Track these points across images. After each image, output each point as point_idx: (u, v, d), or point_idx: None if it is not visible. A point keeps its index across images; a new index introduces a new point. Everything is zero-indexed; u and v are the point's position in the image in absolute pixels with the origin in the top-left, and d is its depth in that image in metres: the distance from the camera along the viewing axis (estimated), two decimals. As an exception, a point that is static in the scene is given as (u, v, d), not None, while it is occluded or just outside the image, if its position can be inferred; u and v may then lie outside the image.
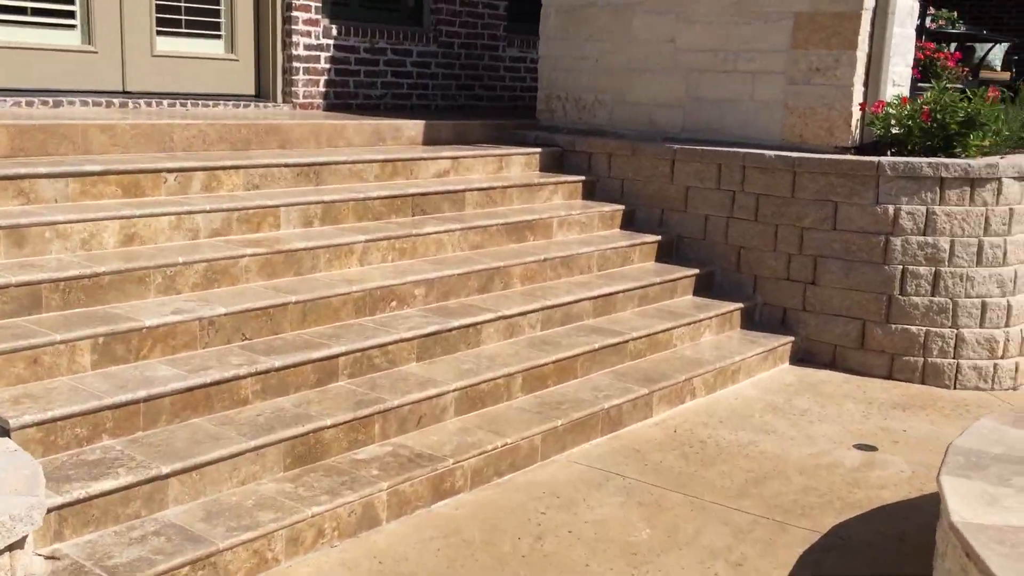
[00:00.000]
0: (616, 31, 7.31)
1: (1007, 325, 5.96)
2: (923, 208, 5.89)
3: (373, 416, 4.14)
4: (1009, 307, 5.94)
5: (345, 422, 4.03)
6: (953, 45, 9.18)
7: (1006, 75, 10.51)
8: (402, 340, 4.63)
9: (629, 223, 6.90)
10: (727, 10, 6.75)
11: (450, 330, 4.86)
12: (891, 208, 5.93)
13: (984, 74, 10.15)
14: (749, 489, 4.34)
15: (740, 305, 6.37)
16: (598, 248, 6.19)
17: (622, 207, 6.84)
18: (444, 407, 4.47)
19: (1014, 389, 5.93)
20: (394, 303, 4.95)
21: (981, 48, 10.57)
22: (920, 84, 7.15)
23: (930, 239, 5.90)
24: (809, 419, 5.29)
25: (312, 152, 6.01)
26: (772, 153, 6.34)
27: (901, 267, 5.95)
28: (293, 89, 7.56)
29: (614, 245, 6.31)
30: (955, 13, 9.24)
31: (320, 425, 3.94)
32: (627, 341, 5.47)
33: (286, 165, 5.49)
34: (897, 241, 5.93)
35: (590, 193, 7.07)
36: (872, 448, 4.90)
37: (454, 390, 4.49)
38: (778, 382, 5.91)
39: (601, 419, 4.85)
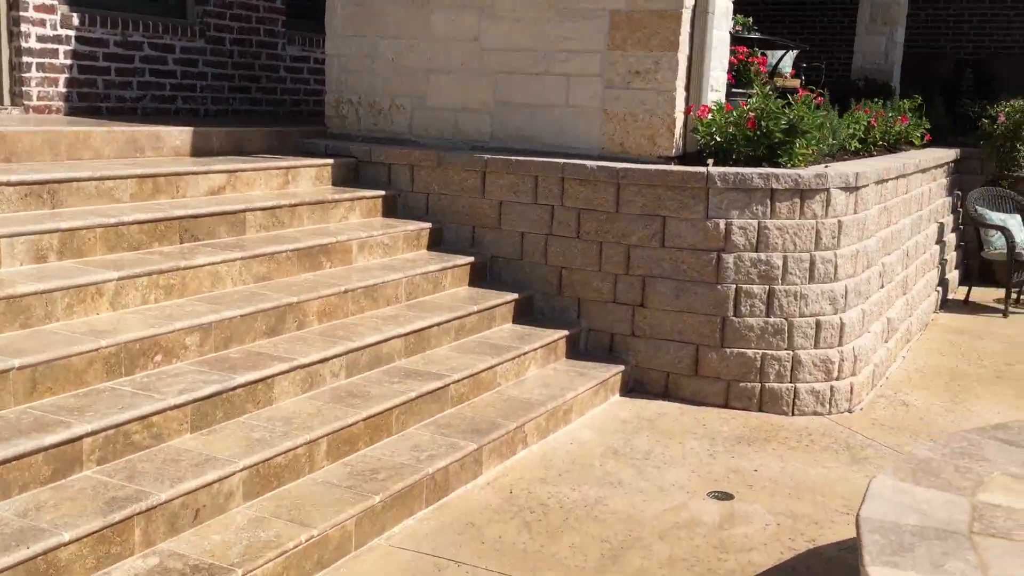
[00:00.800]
0: (413, 27, 6.51)
1: (840, 344, 5.65)
2: (755, 222, 5.48)
3: (132, 518, 3.13)
4: (842, 325, 5.64)
5: (92, 533, 3.00)
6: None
7: (796, 82, 10.50)
8: (171, 407, 3.62)
9: (437, 243, 6.12)
10: (537, 6, 6.11)
11: (234, 388, 3.89)
12: (722, 223, 5.48)
13: (777, 81, 10.08)
14: (608, 567, 3.66)
15: (565, 332, 5.73)
16: (406, 274, 5.36)
17: (429, 225, 6.05)
18: (230, 492, 3.51)
19: (849, 411, 5.62)
20: (159, 357, 3.92)
21: (773, 55, 10.52)
22: (734, 90, 6.81)
23: (763, 255, 5.49)
24: (655, 463, 4.70)
25: (47, 167, 4.83)
26: (594, 164, 5.75)
27: (735, 286, 5.51)
28: (25, 89, 6.24)
29: (424, 270, 5.51)
30: (749, 19, 9.05)
31: (54, 543, 2.89)
32: (448, 385, 4.68)
33: (10, 184, 4.31)
34: (730, 258, 5.49)
35: (391, 210, 6.23)
36: (728, 496, 4.36)
37: (242, 469, 3.54)
38: (613, 419, 5.31)
39: (426, 486, 4.03)
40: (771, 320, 5.51)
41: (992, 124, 9.84)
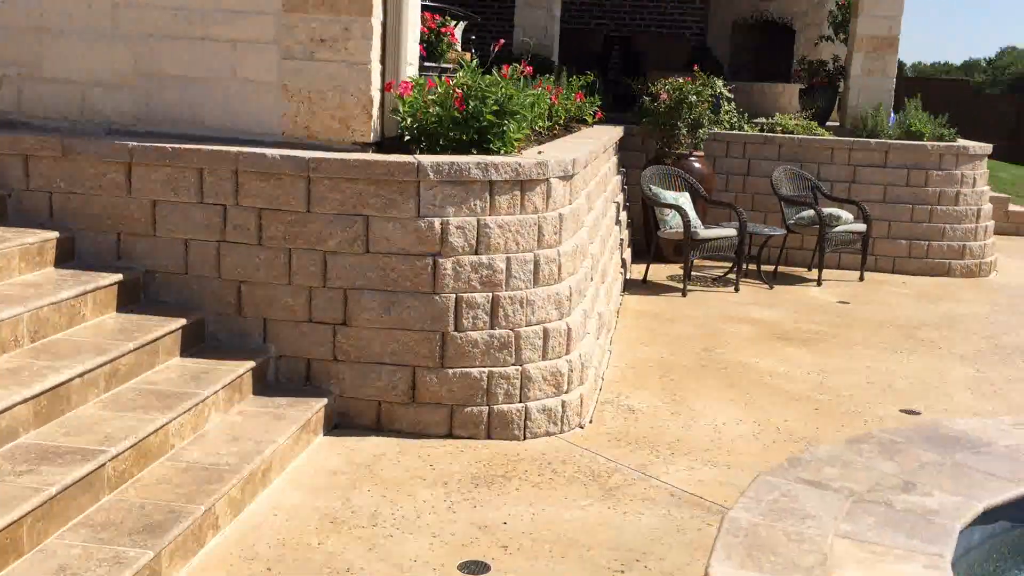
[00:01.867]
0: (17, -29, 4.95)
1: (568, 352, 5.06)
2: (474, 220, 4.70)
3: None
4: (569, 331, 5.05)
5: None
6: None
7: (466, 55, 9.84)
8: None
9: (69, 258, 4.70)
10: (188, -48, 4.84)
11: None
12: (438, 222, 4.64)
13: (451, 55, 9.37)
14: None
15: (250, 364, 4.61)
16: (27, 307, 3.95)
17: (55, 235, 4.61)
18: None
19: (581, 427, 5.07)
20: None
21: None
22: (426, 64, 5.98)
23: (485, 258, 4.73)
24: (386, 531, 3.78)
25: None
26: (277, 153, 4.64)
27: (455, 296, 4.70)
28: None
29: (54, 298, 4.11)
30: (419, -15, 8.18)
31: None
32: (103, 465, 3.42)
33: None
34: (448, 263, 4.67)
35: (0, 216, 4.69)
36: (483, 569, 3.56)
37: None
38: (322, 470, 4.31)
39: (84, 633, 2.80)
40: (497, 332, 4.78)
41: (653, 102, 9.89)
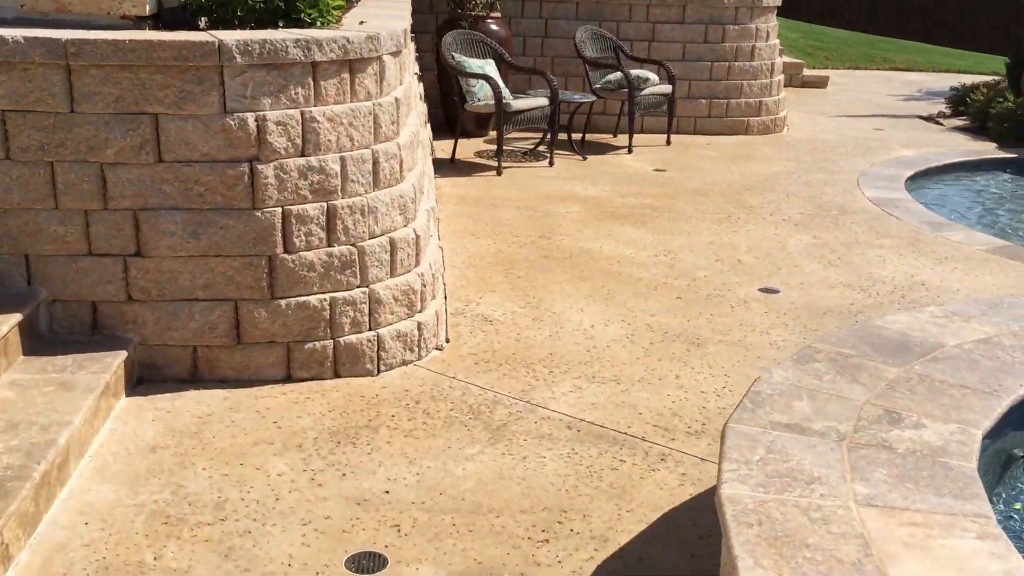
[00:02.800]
0: None
1: (417, 264, 4.29)
2: (297, 113, 3.74)
3: None
4: (417, 239, 4.26)
5: None
6: None
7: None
8: None
9: None
10: None
11: None
12: (251, 118, 3.65)
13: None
14: None
15: (16, 316, 3.51)
16: None
17: None
18: None
19: (439, 350, 4.36)
20: None
21: None
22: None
23: (314, 160, 3.81)
24: (241, 526, 2.96)
25: None
26: (18, 35, 3.43)
27: (281, 210, 3.77)
28: None
29: None
30: None
31: None
32: None
33: None
34: (269, 170, 3.71)
35: None
36: (380, 561, 2.85)
37: None
38: (136, 447, 3.37)
39: None
40: (336, 250, 3.91)
41: (443, -43, 8.90)
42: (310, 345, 3.92)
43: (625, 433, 3.59)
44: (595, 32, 9.44)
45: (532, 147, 8.83)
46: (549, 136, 8.38)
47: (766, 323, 4.80)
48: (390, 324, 4.09)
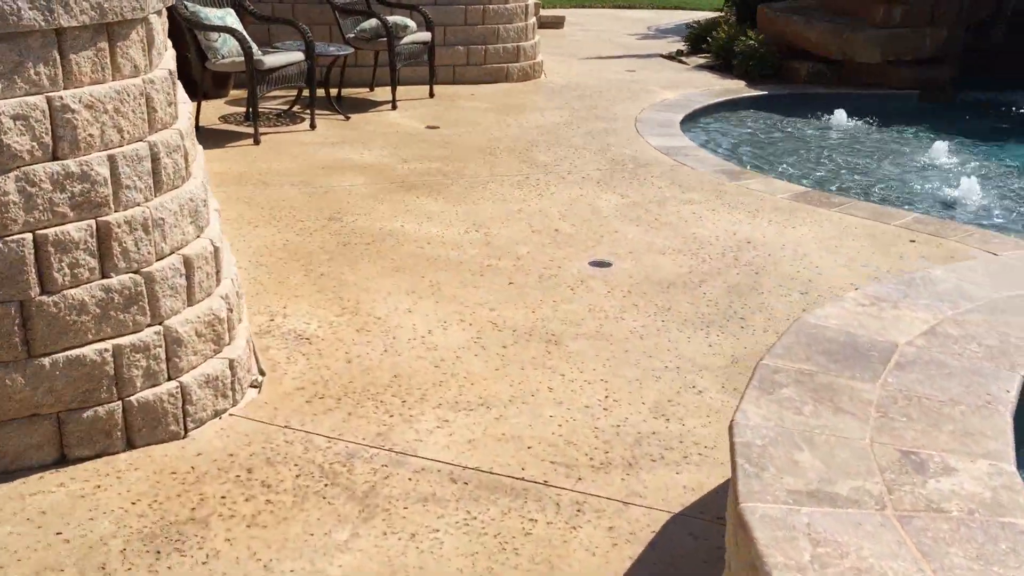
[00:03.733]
0: None
1: (219, 283, 3.35)
2: (42, 101, 2.68)
3: None
4: (216, 251, 3.32)
5: None
6: None
7: None
8: None
9: None
10: None
11: None
12: (-26, 112, 2.55)
13: None
14: None
15: None
16: None
17: None
18: None
19: (256, 387, 3.46)
20: None
21: None
22: None
23: (74, 164, 2.77)
24: None
25: None
26: None
27: (32, 237, 2.72)
28: None
29: None
30: None
31: None
32: None
33: None
34: (8, 183, 2.64)
35: None
36: None
37: None
38: None
39: None
40: (115, 282, 2.91)
41: None
42: (90, 412, 2.91)
43: (522, 479, 2.94)
44: (341, -26, 8.47)
45: (287, 108, 7.80)
46: (308, 95, 7.39)
47: (615, 306, 4.30)
48: (195, 368, 3.16)
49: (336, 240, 4.97)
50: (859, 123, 8.69)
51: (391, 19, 8.03)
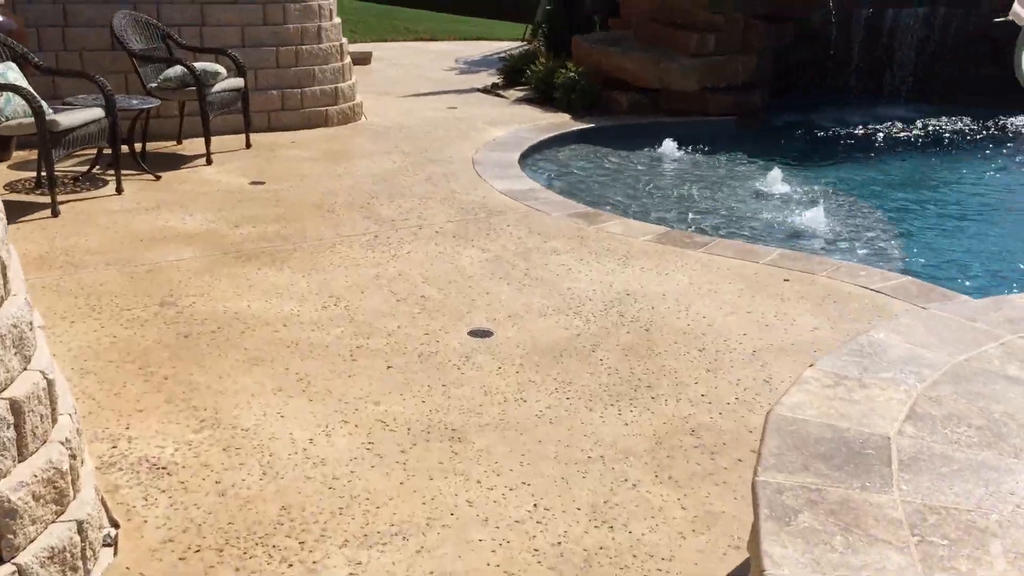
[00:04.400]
0: None
1: (55, 421, 2.65)
2: None
3: None
4: (50, 384, 2.62)
5: None
6: None
7: None
8: None
9: None
10: None
11: None
12: None
13: None
14: None
15: None
16: None
17: None
18: None
19: (111, 545, 2.79)
20: None
21: None
22: None
23: None
24: None
25: None
26: None
27: None
28: None
29: None
30: None
31: None
32: None
33: None
34: None
35: None
36: None
37: None
38: None
39: None
40: (-80, 452, 2.19)
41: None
42: None
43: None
44: (135, 17, 7.64)
45: (86, 170, 6.90)
46: (111, 154, 6.54)
47: (511, 385, 3.87)
48: (34, 541, 2.46)
49: (174, 331, 4.28)
50: (688, 152, 8.70)
51: (199, 66, 7.29)
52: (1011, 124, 10.54)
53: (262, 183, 6.86)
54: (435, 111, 9.91)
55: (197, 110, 7.34)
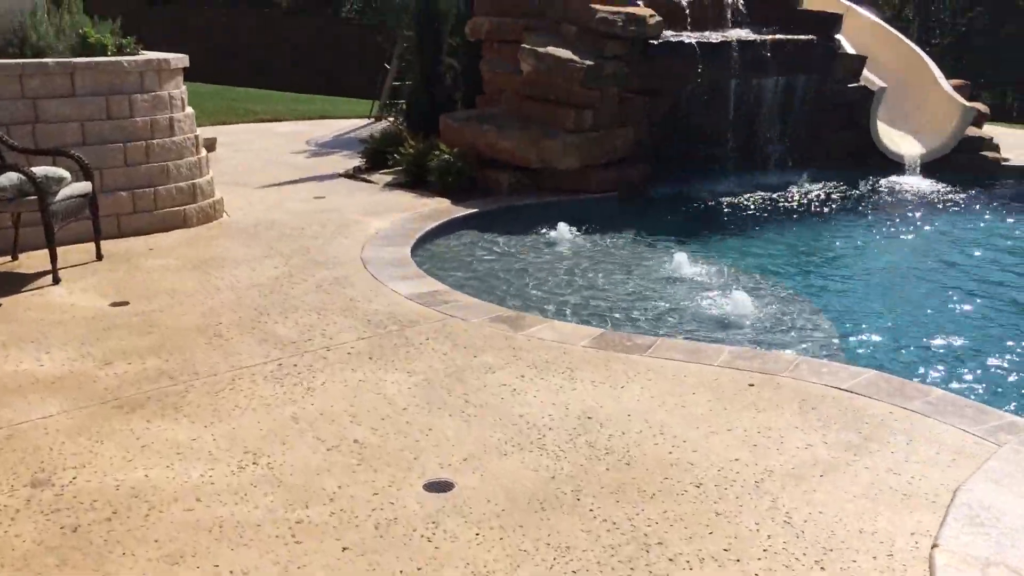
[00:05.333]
0: None
1: None
2: None
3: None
4: None
5: None
6: None
7: None
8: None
9: None
10: None
11: None
12: None
13: None
14: None
15: None
16: None
17: None
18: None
19: None
20: None
21: None
22: None
23: None
24: None
25: None
26: None
27: None
28: None
29: None
30: None
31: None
32: None
33: None
34: None
35: None
36: None
37: None
38: None
39: None
40: None
41: None
42: None
43: None
44: (-43, 118, 6.58)
45: (-95, 303, 5.77)
46: (-62, 285, 5.48)
47: (500, 559, 3.20)
48: None
49: (57, 524, 3.37)
50: (583, 235, 8.32)
51: (39, 171, 6.31)
52: (881, 186, 10.76)
53: (126, 303, 5.92)
54: (303, 203, 9.15)
55: (34, 219, 6.34)
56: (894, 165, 11.46)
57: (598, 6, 9.64)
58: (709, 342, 5.51)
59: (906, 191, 10.64)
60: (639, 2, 10.19)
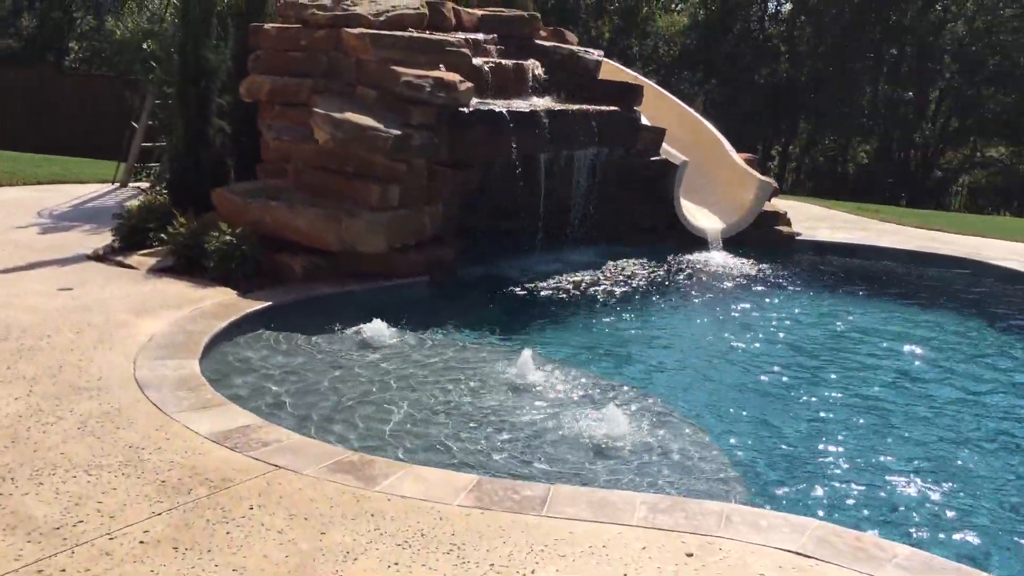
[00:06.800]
0: None
1: None
2: None
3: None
4: None
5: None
6: None
7: None
8: None
9: None
10: None
11: None
12: None
13: None
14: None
15: None
16: None
17: None
18: None
19: None
20: None
21: None
22: None
23: None
24: None
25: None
26: None
27: None
28: None
29: None
30: None
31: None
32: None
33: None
34: None
35: None
36: None
37: None
38: None
39: None
40: None
41: None
42: None
43: None
44: None
45: None
46: None
47: None
48: None
49: None
50: (401, 331, 7.13)
51: None
52: (690, 263, 10.38)
53: None
54: (45, 296, 7.32)
55: None
56: (697, 240, 11.19)
57: (402, 68, 8.59)
58: (605, 483, 4.51)
59: (716, 268, 10.32)
60: (441, 66, 9.24)
